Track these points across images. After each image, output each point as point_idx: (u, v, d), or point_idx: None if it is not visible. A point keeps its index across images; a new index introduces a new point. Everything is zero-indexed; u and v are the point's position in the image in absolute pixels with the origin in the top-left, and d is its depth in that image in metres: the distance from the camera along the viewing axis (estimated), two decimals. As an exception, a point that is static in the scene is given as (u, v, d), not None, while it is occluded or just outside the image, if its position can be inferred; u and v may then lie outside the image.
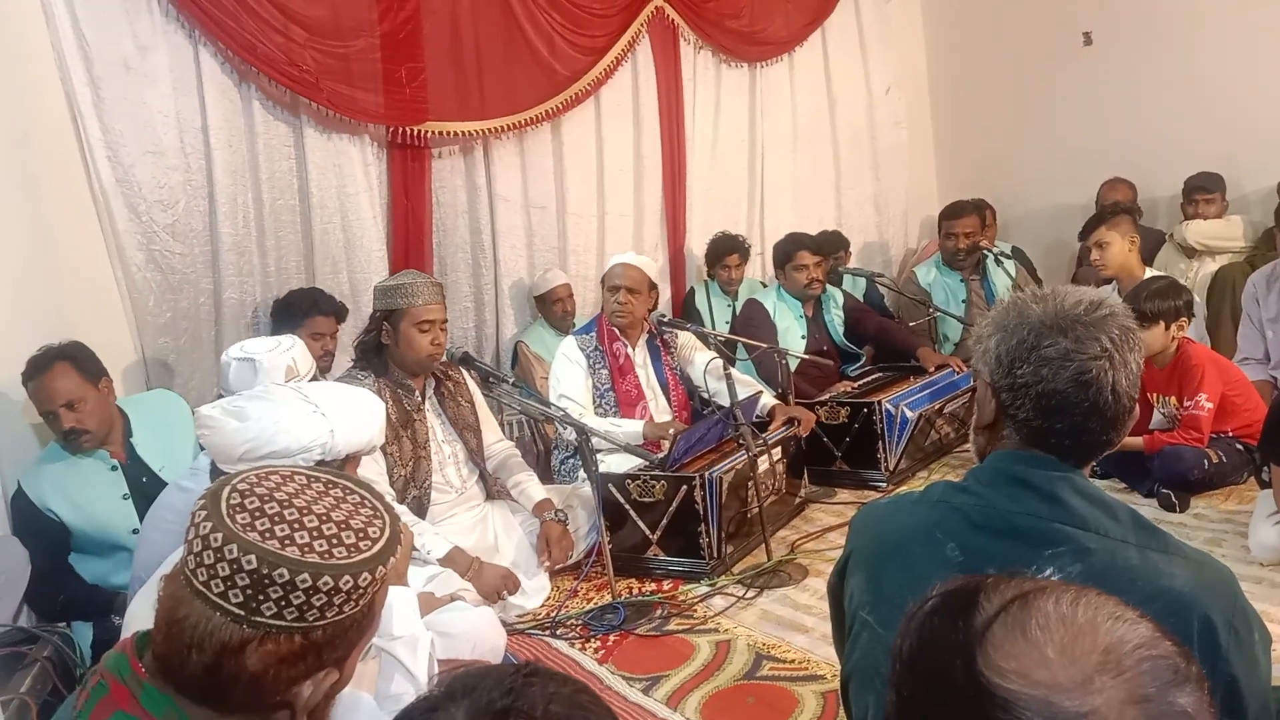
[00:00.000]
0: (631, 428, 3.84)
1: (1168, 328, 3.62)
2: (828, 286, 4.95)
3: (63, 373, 2.96)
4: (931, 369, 4.53)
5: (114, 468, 3.05)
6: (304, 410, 1.81)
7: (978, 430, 1.44)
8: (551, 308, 4.89)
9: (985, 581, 0.81)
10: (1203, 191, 5.12)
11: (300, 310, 3.90)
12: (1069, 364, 1.27)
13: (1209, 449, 3.57)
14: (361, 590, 1.07)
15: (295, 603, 1.03)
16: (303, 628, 1.04)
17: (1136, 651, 0.74)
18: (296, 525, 1.06)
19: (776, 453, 3.73)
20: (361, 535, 1.09)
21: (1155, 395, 3.76)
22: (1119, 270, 4.12)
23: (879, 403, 4.08)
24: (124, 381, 3.70)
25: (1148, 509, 3.49)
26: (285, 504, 1.08)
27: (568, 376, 3.97)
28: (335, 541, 1.07)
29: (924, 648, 0.80)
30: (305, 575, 1.03)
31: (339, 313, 4.00)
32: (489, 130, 4.70)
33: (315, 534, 1.06)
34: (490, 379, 3.54)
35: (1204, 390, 3.58)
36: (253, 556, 1.02)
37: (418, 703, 0.83)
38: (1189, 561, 1.23)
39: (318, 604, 1.04)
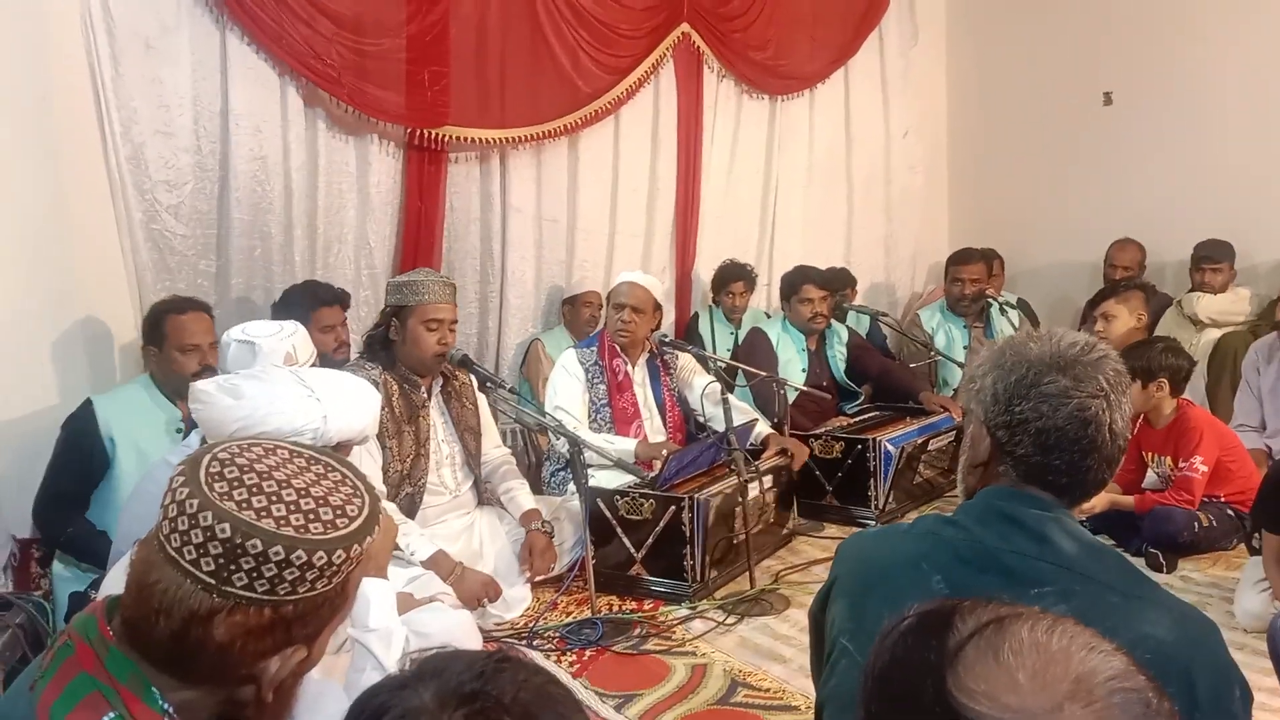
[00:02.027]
0: (624, 446, 3.83)
1: (1145, 387, 3.59)
2: (833, 323, 4.95)
3: (204, 318, 3.24)
4: (936, 411, 4.52)
5: (179, 430, 3.09)
6: (299, 393, 1.80)
7: (968, 469, 1.44)
8: (580, 310, 4.91)
9: (962, 604, 0.81)
10: (1210, 261, 5.12)
11: (302, 304, 3.84)
12: (1068, 401, 1.28)
13: (1200, 512, 3.55)
14: (335, 567, 1.05)
15: (267, 575, 1.02)
16: (273, 601, 1.03)
17: (1109, 683, 0.73)
18: (274, 497, 1.05)
19: (767, 481, 3.71)
20: (339, 513, 1.08)
21: (1151, 454, 3.74)
22: (1118, 346, 4.09)
23: (874, 440, 4.07)
24: (123, 358, 3.68)
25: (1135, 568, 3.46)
26: (265, 476, 1.07)
27: (565, 388, 3.97)
28: (312, 516, 1.05)
29: (895, 666, 0.79)
30: (278, 548, 1.01)
31: (342, 300, 3.98)
32: (507, 139, 4.72)
33: (292, 507, 1.05)
34: (487, 384, 3.53)
35: (1200, 453, 3.56)
36: (227, 525, 1.01)
37: (386, 681, 0.82)
38: (1173, 612, 1.22)
39: (289, 578, 1.02)
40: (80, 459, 2.99)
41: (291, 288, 3.99)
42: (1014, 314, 5.11)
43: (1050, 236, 6.29)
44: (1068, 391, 1.28)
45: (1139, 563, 3.53)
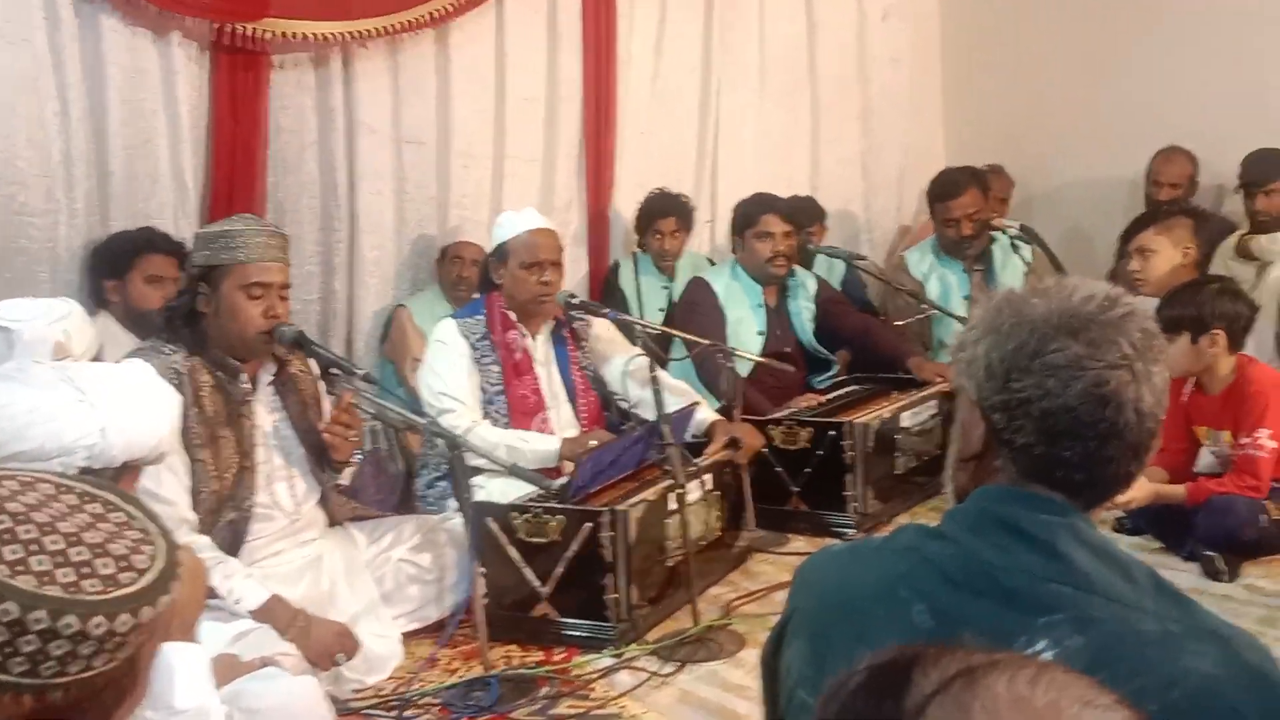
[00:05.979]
0: (544, 445, 3.85)
1: (1195, 341, 3.71)
2: (796, 270, 5.00)
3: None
4: (932, 380, 4.62)
5: None
6: (67, 397, 1.79)
7: (958, 464, 1.47)
8: (448, 267, 4.90)
9: (924, 653, 0.83)
10: (1258, 185, 5.05)
11: (128, 250, 3.98)
12: (1081, 374, 1.30)
13: (1269, 501, 3.67)
14: (119, 638, 1.06)
15: (25, 650, 1.02)
16: (35, 685, 1.03)
17: None
18: (33, 547, 1.05)
19: (708, 482, 3.75)
20: (123, 565, 1.08)
21: (1204, 429, 3.87)
22: (1159, 288, 4.14)
23: (851, 423, 4.14)
24: None
25: (1187, 576, 3.59)
26: (20, 518, 1.07)
27: (450, 370, 3.95)
28: (86, 571, 1.06)
29: None
30: (41, 613, 1.01)
31: (179, 252, 3.99)
32: (351, 34, 4.66)
33: (59, 560, 1.05)
34: (331, 370, 3.49)
35: (1267, 424, 3.67)
36: (-32, 586, 1.01)
37: None
38: (1220, 638, 1.25)
39: (57, 653, 1.03)
40: None
41: (118, 233, 4.12)
42: (1027, 250, 5.11)
43: (1076, 146, 6.37)
44: (1080, 361, 1.30)
45: (1192, 570, 3.66)
